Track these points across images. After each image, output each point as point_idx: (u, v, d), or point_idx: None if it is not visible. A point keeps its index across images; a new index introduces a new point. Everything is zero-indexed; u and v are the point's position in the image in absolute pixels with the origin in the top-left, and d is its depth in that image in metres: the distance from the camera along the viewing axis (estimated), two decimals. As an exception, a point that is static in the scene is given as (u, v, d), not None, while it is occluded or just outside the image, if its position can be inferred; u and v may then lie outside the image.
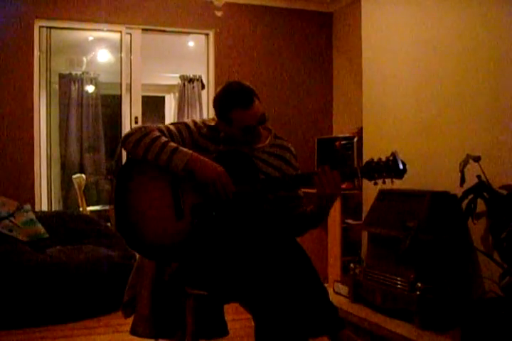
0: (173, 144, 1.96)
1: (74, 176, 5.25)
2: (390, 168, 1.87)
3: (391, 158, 1.88)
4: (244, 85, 2.06)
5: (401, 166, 1.86)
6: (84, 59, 6.25)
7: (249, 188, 1.97)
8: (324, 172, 1.89)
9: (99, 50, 6.15)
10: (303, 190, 2.17)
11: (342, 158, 4.16)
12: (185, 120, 2.21)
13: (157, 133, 1.99)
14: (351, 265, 3.32)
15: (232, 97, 2.03)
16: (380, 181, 1.91)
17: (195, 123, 2.13)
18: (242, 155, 2.06)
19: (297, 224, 2.10)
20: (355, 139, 4.04)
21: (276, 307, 1.72)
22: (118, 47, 4.84)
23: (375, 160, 1.90)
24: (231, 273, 1.85)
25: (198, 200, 1.97)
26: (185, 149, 1.96)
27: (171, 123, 2.14)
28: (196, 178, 1.94)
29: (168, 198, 1.96)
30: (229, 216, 1.96)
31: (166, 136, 2.02)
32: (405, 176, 1.87)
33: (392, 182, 1.89)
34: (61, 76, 6.01)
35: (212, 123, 2.13)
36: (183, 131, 2.09)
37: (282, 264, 1.81)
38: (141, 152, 1.96)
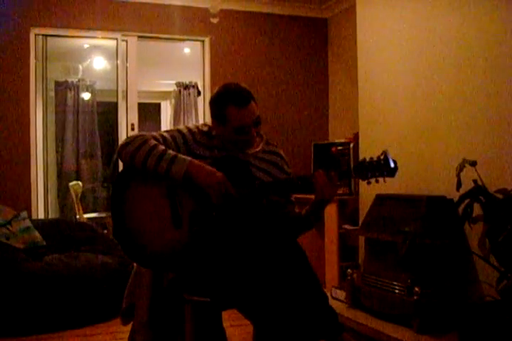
0: (171, 152, 1.96)
1: (70, 183, 5.24)
2: (382, 167, 1.89)
3: (382, 156, 1.90)
4: (242, 86, 2.09)
5: (392, 165, 1.88)
6: (80, 66, 6.27)
7: (249, 190, 1.98)
8: (321, 175, 1.92)
9: (95, 57, 6.17)
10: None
11: (338, 163, 4.17)
12: (179, 126, 2.20)
13: (154, 142, 1.98)
14: (349, 270, 3.32)
15: (229, 95, 2.05)
16: (373, 180, 1.93)
17: (189, 129, 2.12)
18: (238, 161, 2.06)
19: (292, 227, 2.11)
20: (352, 145, 4.05)
21: (276, 312, 1.72)
22: (114, 55, 4.85)
23: (367, 159, 1.92)
24: (231, 278, 1.84)
25: (195, 207, 1.97)
26: (183, 156, 1.96)
27: (165, 131, 2.13)
28: (197, 184, 1.94)
29: (165, 206, 1.96)
30: (228, 221, 1.97)
31: (161, 144, 2.01)
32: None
33: (384, 180, 1.91)
34: (57, 83, 6.02)
35: (206, 129, 2.13)
36: (178, 139, 2.08)
37: (281, 269, 1.81)
38: (140, 162, 1.95)
